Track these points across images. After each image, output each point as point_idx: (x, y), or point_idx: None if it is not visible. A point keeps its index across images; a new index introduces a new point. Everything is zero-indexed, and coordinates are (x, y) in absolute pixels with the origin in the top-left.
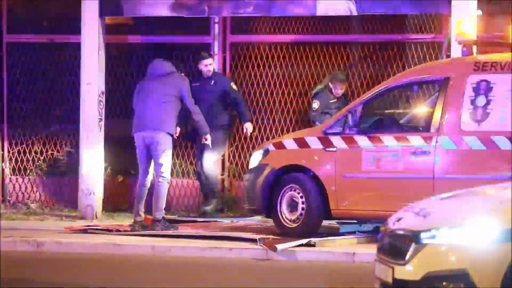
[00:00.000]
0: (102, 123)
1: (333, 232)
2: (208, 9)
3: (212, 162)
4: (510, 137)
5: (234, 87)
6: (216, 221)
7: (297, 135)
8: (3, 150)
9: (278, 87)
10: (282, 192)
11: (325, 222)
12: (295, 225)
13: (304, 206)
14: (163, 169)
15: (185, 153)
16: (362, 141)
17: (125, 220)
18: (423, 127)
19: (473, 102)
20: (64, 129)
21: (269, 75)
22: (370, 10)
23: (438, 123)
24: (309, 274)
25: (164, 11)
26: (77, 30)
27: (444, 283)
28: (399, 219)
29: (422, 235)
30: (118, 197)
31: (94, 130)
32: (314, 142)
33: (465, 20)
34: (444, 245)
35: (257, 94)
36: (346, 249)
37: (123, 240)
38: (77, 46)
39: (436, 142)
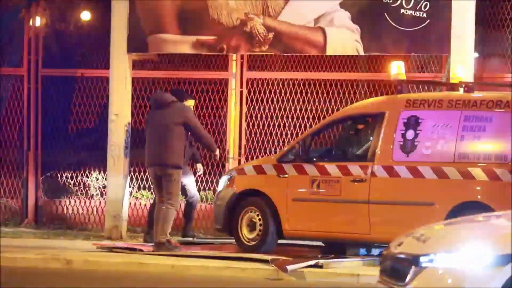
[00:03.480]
0: (128, 151)
1: (340, 255)
2: (226, 47)
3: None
4: (434, 167)
5: None
6: (231, 243)
7: (256, 162)
8: (36, 175)
9: (290, 121)
10: (242, 213)
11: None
12: (253, 243)
13: (261, 227)
14: (172, 198)
15: (204, 179)
16: (310, 169)
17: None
18: (363, 157)
19: (403, 135)
20: (92, 156)
21: (282, 109)
22: (375, 50)
23: (373, 153)
24: None
25: (186, 49)
26: (103, 65)
27: None
28: (400, 244)
29: (422, 259)
30: (142, 218)
31: (120, 157)
32: (269, 169)
33: (400, 62)
34: (442, 269)
35: (271, 127)
36: (351, 270)
37: (146, 259)
38: (105, 80)
39: (371, 170)
